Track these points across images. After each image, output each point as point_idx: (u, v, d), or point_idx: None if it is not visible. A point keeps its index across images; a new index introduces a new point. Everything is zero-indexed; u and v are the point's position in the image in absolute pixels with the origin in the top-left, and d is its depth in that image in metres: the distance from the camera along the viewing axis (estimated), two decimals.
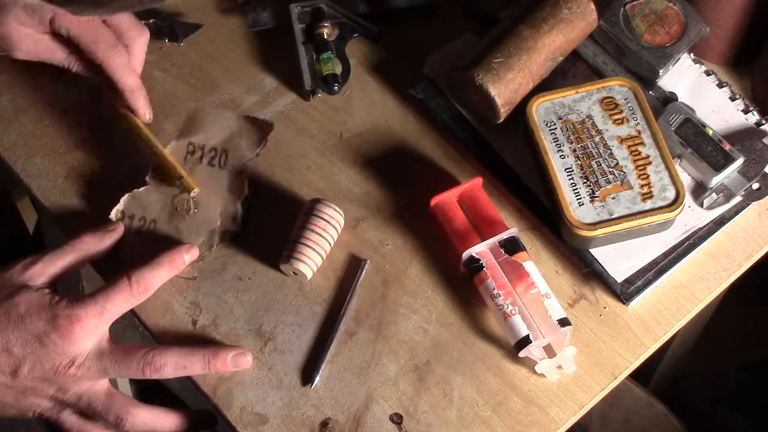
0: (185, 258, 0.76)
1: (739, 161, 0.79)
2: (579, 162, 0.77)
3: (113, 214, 0.80)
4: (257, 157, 0.83)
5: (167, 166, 0.81)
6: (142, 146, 0.82)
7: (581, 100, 0.80)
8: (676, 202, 0.75)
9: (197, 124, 0.85)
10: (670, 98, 0.84)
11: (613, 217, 0.75)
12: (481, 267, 0.75)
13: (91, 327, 0.68)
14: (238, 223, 0.80)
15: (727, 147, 0.79)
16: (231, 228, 0.80)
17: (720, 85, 0.86)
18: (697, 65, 0.87)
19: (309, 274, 0.77)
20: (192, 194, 0.80)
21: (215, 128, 0.85)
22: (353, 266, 0.79)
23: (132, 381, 1.26)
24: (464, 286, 0.77)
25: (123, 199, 0.81)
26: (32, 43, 0.80)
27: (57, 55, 0.82)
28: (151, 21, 0.91)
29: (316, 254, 0.77)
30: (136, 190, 0.81)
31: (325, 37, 0.90)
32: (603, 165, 0.77)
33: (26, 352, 0.66)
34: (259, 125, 0.85)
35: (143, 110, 0.83)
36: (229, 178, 0.82)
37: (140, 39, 0.84)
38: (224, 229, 0.80)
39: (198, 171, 0.82)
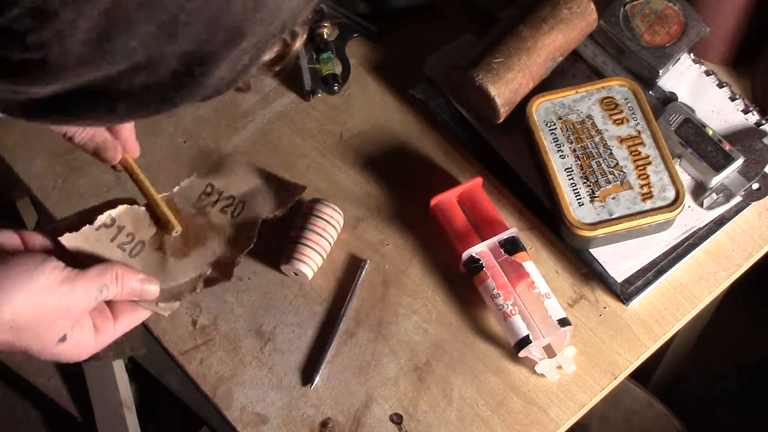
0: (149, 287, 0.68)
1: (739, 161, 0.79)
2: (579, 162, 0.77)
3: (104, 217, 0.72)
4: (276, 215, 0.78)
5: (155, 207, 0.74)
6: (135, 183, 0.75)
7: (581, 100, 0.80)
8: (676, 202, 0.75)
9: (225, 169, 0.79)
10: (670, 98, 0.84)
11: (613, 217, 0.75)
12: (481, 267, 0.75)
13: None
14: (229, 272, 0.73)
15: (727, 147, 0.79)
16: (219, 277, 0.73)
17: (720, 85, 0.86)
18: (697, 65, 0.87)
19: (310, 275, 0.77)
20: (174, 233, 0.73)
21: (241, 179, 0.79)
22: (353, 266, 0.79)
23: (132, 380, 1.26)
24: (464, 286, 0.77)
25: (120, 208, 0.73)
26: None
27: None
28: None
29: (317, 254, 0.77)
30: (137, 206, 0.74)
31: (325, 37, 0.90)
32: (603, 165, 0.77)
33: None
34: (288, 188, 0.79)
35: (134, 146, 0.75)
36: (235, 231, 0.78)
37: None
38: (212, 277, 0.73)
39: (206, 214, 0.78)
